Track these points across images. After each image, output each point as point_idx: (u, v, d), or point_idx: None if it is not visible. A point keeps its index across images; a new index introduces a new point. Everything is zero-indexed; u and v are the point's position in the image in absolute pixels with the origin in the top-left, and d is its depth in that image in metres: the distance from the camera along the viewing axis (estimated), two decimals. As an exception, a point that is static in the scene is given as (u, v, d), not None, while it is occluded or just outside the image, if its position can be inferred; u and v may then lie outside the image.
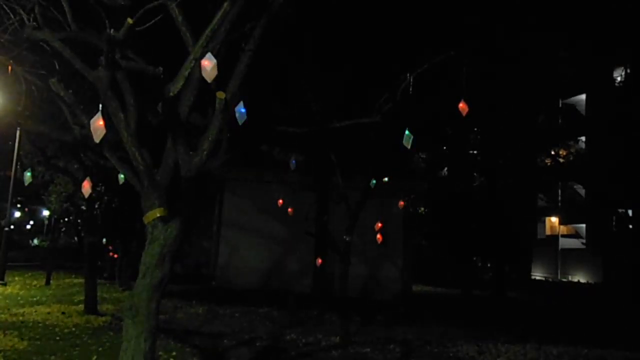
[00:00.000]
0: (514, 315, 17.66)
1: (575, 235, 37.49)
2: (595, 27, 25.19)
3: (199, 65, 4.62)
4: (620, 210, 30.73)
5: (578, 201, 36.58)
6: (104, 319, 11.32)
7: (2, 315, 11.13)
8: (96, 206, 15.14)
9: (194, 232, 21.45)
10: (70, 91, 5.10)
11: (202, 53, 4.74)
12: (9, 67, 5.62)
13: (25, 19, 5.29)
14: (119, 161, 5.04)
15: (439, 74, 10.32)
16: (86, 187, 5.68)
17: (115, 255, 19.99)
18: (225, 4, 4.85)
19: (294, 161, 9.55)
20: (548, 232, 39.75)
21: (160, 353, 7.79)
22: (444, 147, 27.78)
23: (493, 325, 13.69)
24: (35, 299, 14.07)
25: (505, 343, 11.15)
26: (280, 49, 10.05)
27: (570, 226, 38.34)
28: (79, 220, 26.96)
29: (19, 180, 16.82)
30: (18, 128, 12.70)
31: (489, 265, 30.34)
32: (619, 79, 32.04)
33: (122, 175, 5.56)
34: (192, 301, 14.65)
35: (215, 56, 4.50)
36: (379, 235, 11.76)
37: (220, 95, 4.68)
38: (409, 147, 6.48)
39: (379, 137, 12.02)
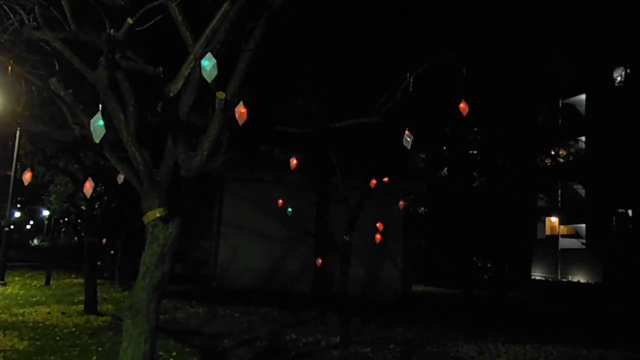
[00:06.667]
0: (514, 315, 17.65)
1: (575, 235, 37.48)
2: (595, 27, 25.18)
3: (199, 65, 4.62)
4: (620, 210, 30.72)
5: (578, 201, 36.57)
6: (104, 319, 11.32)
7: (2, 315, 11.13)
8: (96, 206, 15.14)
9: (194, 232, 21.44)
10: (70, 91, 5.09)
11: (202, 53, 4.74)
12: (9, 67, 5.62)
13: (25, 19, 5.28)
14: (119, 161, 5.04)
15: (439, 74, 10.32)
16: (87, 187, 5.67)
17: (112, 252, 20.06)
18: (225, 4, 4.85)
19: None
20: (548, 232, 39.74)
21: (160, 353, 7.79)
22: (444, 147, 27.75)
23: (493, 325, 13.68)
24: (35, 299, 14.07)
25: (505, 343, 11.15)
26: (281, 49, 10.05)
27: (570, 226, 38.33)
28: (79, 220, 27.00)
29: (19, 180, 16.81)
30: (18, 128, 12.70)
31: (489, 265, 30.30)
32: (619, 79, 32.01)
33: (122, 175, 5.56)
34: (192, 301, 14.65)
35: (215, 56, 4.50)
36: (377, 235, 11.77)
37: (220, 95, 4.68)
38: (408, 147, 6.49)
39: (378, 137, 12.02)
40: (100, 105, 4.55)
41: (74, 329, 10.03)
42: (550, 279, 34.62)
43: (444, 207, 27.09)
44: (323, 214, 17.05)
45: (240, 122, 4.96)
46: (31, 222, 61.35)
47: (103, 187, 15.09)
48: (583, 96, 36.91)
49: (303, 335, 10.67)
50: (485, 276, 29.92)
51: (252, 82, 6.47)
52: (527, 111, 25.79)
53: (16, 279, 18.92)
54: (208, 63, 4.42)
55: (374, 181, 10.57)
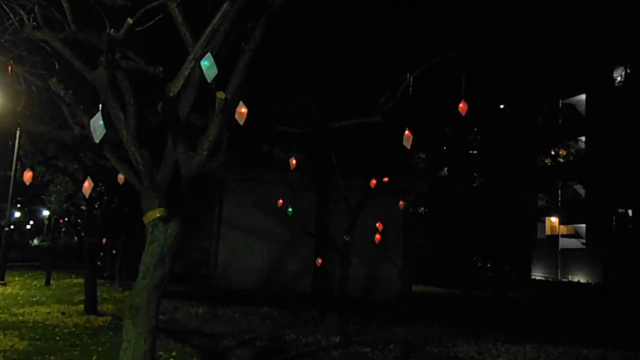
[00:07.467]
0: (514, 315, 17.65)
1: (575, 235, 37.48)
2: (595, 27, 25.19)
3: (199, 65, 4.62)
4: (620, 210, 30.72)
5: (578, 201, 36.57)
6: (104, 319, 11.32)
7: (2, 315, 11.13)
8: (96, 206, 15.15)
9: (194, 232, 21.45)
10: (70, 91, 5.10)
11: (202, 53, 4.75)
12: (9, 67, 5.62)
13: (25, 19, 5.29)
14: (119, 161, 5.04)
15: (439, 74, 10.32)
16: (87, 187, 5.68)
17: (112, 252, 20.08)
18: (225, 4, 4.85)
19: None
20: (548, 232, 39.72)
21: (160, 353, 7.79)
22: (444, 147, 27.76)
23: (493, 325, 13.68)
24: (35, 299, 14.07)
25: (505, 343, 11.15)
26: (281, 48, 10.06)
27: (570, 226, 38.32)
28: (79, 220, 26.99)
29: (19, 180, 16.81)
30: (18, 128, 12.71)
31: (489, 265, 30.30)
32: (619, 79, 32.03)
33: (122, 175, 5.57)
34: (192, 301, 14.64)
35: (215, 56, 4.50)
36: (377, 235, 11.78)
37: (220, 95, 4.68)
38: (408, 147, 6.49)
39: (379, 137, 12.03)
40: (100, 105, 4.56)
41: (74, 329, 10.03)
42: (550, 279, 34.62)
43: (444, 207, 27.06)
44: (323, 214, 17.06)
45: (240, 122, 4.96)
46: (31, 222, 61.33)
47: (103, 187, 15.11)
48: (583, 96, 36.92)
49: (303, 335, 10.66)
50: (485, 276, 29.92)
51: (252, 82, 6.47)
52: (527, 111, 25.80)
53: (16, 279, 18.93)
54: (208, 63, 4.42)
55: (374, 181, 10.58)
